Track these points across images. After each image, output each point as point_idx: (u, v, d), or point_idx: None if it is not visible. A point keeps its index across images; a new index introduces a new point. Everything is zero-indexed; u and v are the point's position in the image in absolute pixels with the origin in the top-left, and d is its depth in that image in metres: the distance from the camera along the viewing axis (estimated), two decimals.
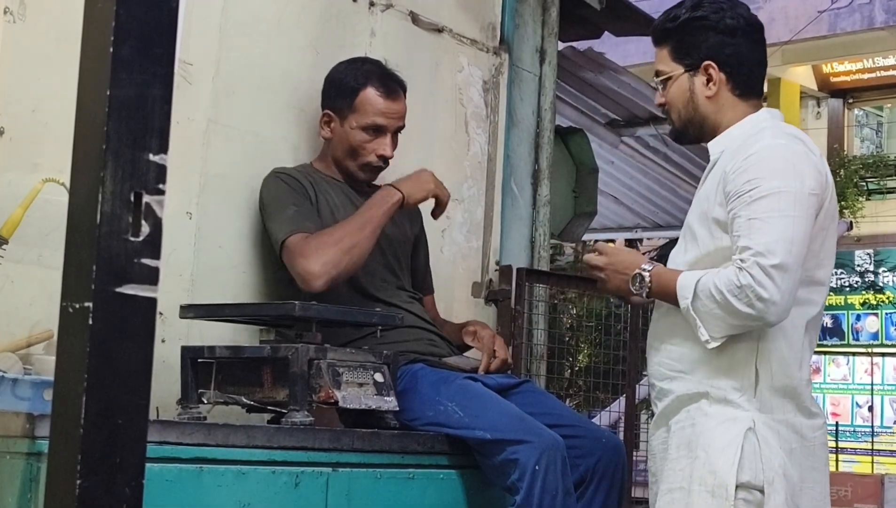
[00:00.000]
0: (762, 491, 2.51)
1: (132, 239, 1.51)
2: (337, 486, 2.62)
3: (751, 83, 2.75)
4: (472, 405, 2.90)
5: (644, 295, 2.65)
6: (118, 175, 1.50)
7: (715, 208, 2.60)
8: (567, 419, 3.04)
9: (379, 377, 2.78)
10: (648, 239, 11.22)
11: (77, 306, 1.49)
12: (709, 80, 2.72)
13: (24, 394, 2.37)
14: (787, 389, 2.59)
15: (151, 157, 1.53)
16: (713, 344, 2.53)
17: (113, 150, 1.50)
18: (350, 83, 3.22)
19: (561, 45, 4.94)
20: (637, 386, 5.55)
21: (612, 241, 2.84)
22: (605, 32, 5.34)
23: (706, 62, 2.71)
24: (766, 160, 2.56)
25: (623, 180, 7.34)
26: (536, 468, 2.73)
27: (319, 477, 2.59)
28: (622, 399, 5.58)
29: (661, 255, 12.00)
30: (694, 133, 2.78)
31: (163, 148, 1.54)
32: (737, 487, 2.50)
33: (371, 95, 3.20)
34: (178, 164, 2.92)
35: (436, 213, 3.30)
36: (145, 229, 1.52)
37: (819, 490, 2.65)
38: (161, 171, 1.54)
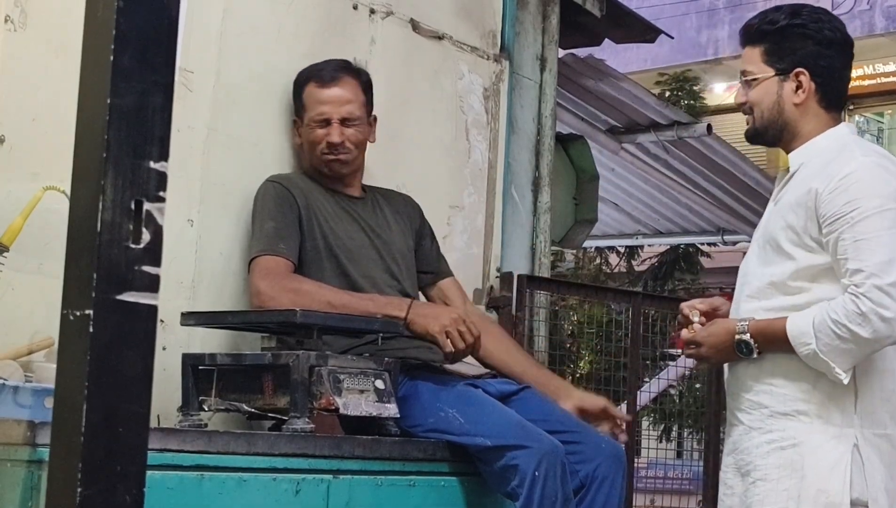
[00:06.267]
0: (867, 507, 2.55)
1: (133, 247, 1.51)
2: (338, 493, 2.62)
3: (837, 96, 2.78)
4: (473, 411, 2.90)
5: (755, 355, 2.66)
6: (119, 183, 1.50)
7: (806, 223, 2.61)
8: (567, 426, 3.03)
9: (380, 384, 2.78)
10: (649, 246, 11.23)
11: (78, 313, 1.49)
12: (798, 87, 2.73)
13: (25, 402, 2.37)
14: (885, 403, 2.62)
15: (152, 165, 1.54)
16: (846, 379, 2.55)
17: (113, 158, 1.50)
18: (297, 84, 3.28)
19: (561, 53, 4.94)
20: (638, 393, 5.55)
21: (692, 322, 2.85)
22: (606, 40, 5.35)
23: (799, 69, 2.73)
24: (864, 180, 2.58)
25: (624, 187, 7.34)
26: (536, 474, 2.73)
27: (320, 484, 2.59)
28: (623, 406, 5.57)
29: (662, 263, 12.00)
30: (773, 136, 2.80)
31: (163, 156, 1.55)
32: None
33: (311, 88, 3.24)
34: (178, 172, 2.93)
35: (447, 356, 3.05)
36: (146, 236, 1.52)
37: None
38: (161, 178, 1.55)
